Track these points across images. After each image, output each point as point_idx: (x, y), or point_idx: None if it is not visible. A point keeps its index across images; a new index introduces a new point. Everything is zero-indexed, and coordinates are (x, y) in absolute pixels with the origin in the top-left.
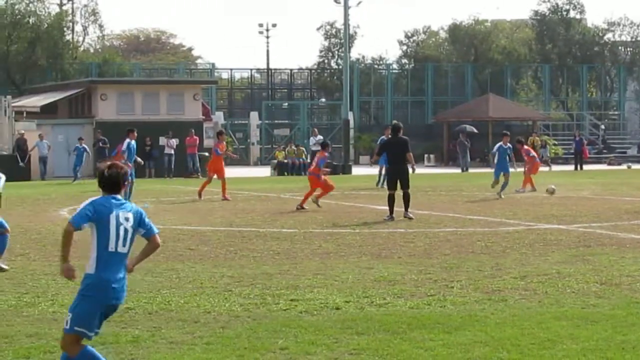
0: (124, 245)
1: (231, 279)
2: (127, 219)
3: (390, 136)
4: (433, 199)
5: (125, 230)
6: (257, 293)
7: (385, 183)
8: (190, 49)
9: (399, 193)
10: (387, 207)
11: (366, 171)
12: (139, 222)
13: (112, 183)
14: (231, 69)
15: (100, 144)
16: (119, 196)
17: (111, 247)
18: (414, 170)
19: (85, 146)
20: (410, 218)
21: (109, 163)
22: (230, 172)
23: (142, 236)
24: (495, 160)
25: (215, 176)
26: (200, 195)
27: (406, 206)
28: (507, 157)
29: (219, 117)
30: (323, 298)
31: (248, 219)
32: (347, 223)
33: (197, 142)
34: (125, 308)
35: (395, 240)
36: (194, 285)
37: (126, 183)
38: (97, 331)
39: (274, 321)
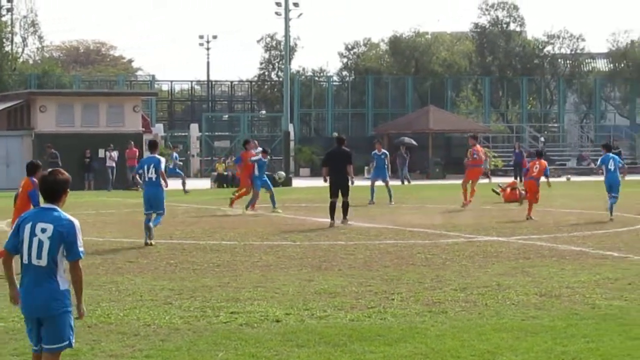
0: (39, 258)
1: (171, 292)
2: (43, 230)
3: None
4: (373, 211)
5: (40, 242)
6: (197, 306)
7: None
8: (130, 61)
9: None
10: (328, 219)
11: (306, 183)
12: (62, 239)
13: (50, 191)
14: (171, 81)
15: (51, 159)
16: (55, 205)
17: (24, 260)
18: (352, 182)
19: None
20: (348, 224)
21: (50, 170)
22: (171, 184)
23: (67, 259)
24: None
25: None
26: (251, 208)
27: (345, 213)
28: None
29: (159, 129)
30: (263, 310)
31: (188, 231)
32: (288, 235)
33: (137, 154)
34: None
35: (335, 252)
36: (133, 297)
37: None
38: (39, 346)
39: (214, 334)
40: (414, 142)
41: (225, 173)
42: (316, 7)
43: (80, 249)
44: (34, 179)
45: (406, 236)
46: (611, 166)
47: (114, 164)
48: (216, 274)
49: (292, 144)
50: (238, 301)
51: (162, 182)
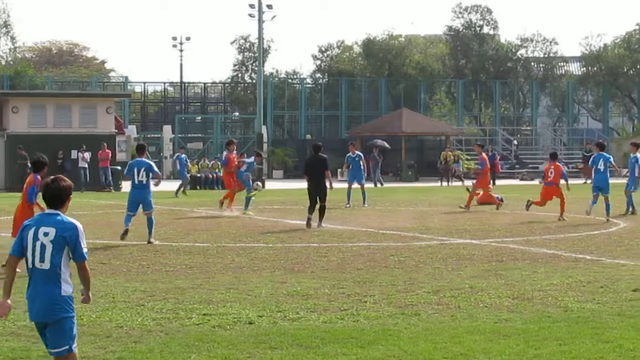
0: (41, 261)
1: (144, 293)
2: (46, 234)
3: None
4: (346, 213)
5: (42, 246)
6: (169, 307)
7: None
8: (103, 62)
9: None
10: (300, 222)
11: (279, 185)
12: (66, 242)
13: (52, 197)
14: (144, 82)
15: (20, 160)
16: (58, 211)
17: (29, 264)
18: (331, 187)
19: (185, 155)
20: (322, 226)
21: (52, 177)
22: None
23: (73, 260)
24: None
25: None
26: (228, 207)
27: (321, 218)
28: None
29: (131, 130)
30: (236, 312)
31: (161, 232)
32: (261, 237)
33: (110, 155)
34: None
35: (308, 254)
36: (106, 299)
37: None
38: (48, 350)
39: (186, 336)
40: (386, 145)
41: (199, 175)
42: (290, 9)
43: (84, 250)
44: (38, 176)
45: (379, 239)
46: (601, 166)
47: (86, 165)
48: (189, 275)
49: (265, 146)
50: (211, 303)
51: (157, 180)
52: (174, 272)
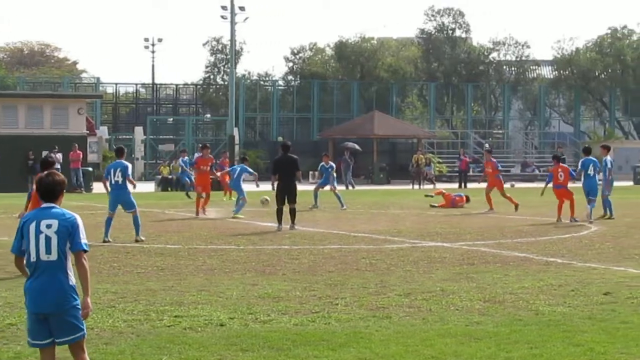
0: (47, 253)
1: (115, 295)
2: (49, 226)
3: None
4: (318, 215)
5: (47, 238)
6: (141, 309)
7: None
8: (75, 63)
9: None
10: (272, 224)
11: (251, 187)
12: (69, 231)
13: (46, 191)
14: (116, 84)
15: None
16: (55, 204)
17: (32, 257)
18: (300, 181)
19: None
20: (295, 229)
21: (46, 172)
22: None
23: (70, 250)
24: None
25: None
26: (198, 212)
27: (292, 219)
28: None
29: (103, 131)
30: (207, 314)
31: (132, 234)
32: (232, 239)
33: (81, 156)
34: (7, 324)
35: (280, 256)
36: None
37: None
38: (45, 342)
39: (158, 337)
40: (357, 147)
41: (170, 176)
42: (262, 11)
43: (84, 241)
44: None
45: (350, 241)
46: (591, 171)
47: (58, 166)
48: (160, 277)
49: (237, 148)
50: (182, 305)
51: (129, 185)
52: (145, 274)
